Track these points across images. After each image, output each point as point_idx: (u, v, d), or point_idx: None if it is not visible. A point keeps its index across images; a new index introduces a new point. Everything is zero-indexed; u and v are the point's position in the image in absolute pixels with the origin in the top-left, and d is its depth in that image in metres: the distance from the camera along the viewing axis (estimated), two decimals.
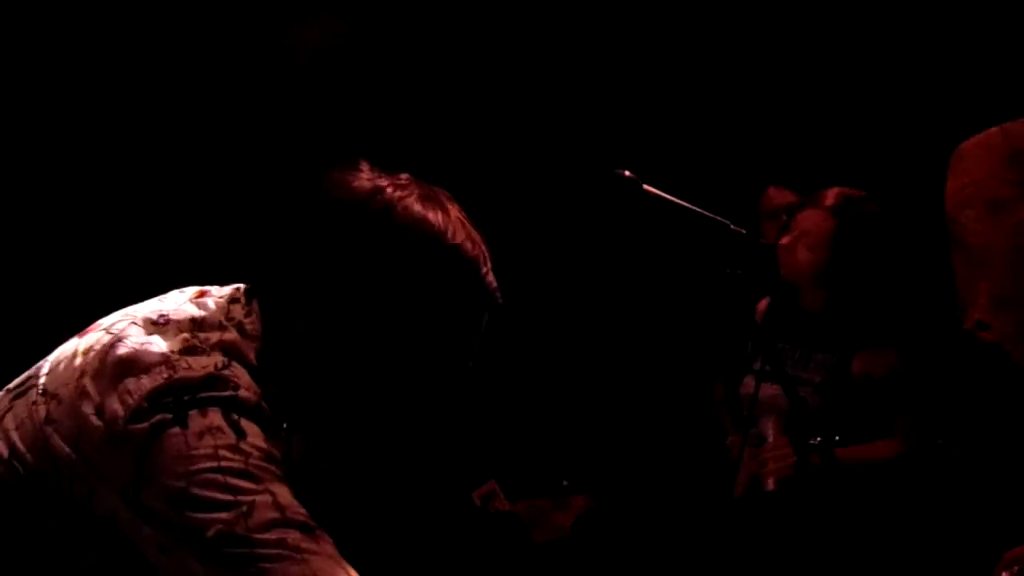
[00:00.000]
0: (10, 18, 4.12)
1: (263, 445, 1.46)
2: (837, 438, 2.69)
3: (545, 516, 4.08)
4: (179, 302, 1.60)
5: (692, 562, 3.39)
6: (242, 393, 1.48)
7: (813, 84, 4.83)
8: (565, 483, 4.09)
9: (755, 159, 4.57)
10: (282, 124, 4.11)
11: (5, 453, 1.53)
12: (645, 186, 2.05)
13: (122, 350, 1.50)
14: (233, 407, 1.47)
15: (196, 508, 1.41)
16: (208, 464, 1.42)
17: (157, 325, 1.56)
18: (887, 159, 4.73)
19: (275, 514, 1.41)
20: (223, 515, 1.40)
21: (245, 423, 1.46)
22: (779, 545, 3.02)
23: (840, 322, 3.09)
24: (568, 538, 4.09)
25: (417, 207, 1.56)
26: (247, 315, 1.58)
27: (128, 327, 1.55)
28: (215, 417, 1.45)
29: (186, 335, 1.54)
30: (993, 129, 3.10)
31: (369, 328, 1.56)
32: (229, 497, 1.41)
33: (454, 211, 1.59)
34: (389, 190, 1.55)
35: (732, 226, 2.13)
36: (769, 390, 3.00)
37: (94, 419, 1.47)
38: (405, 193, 1.56)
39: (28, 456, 1.51)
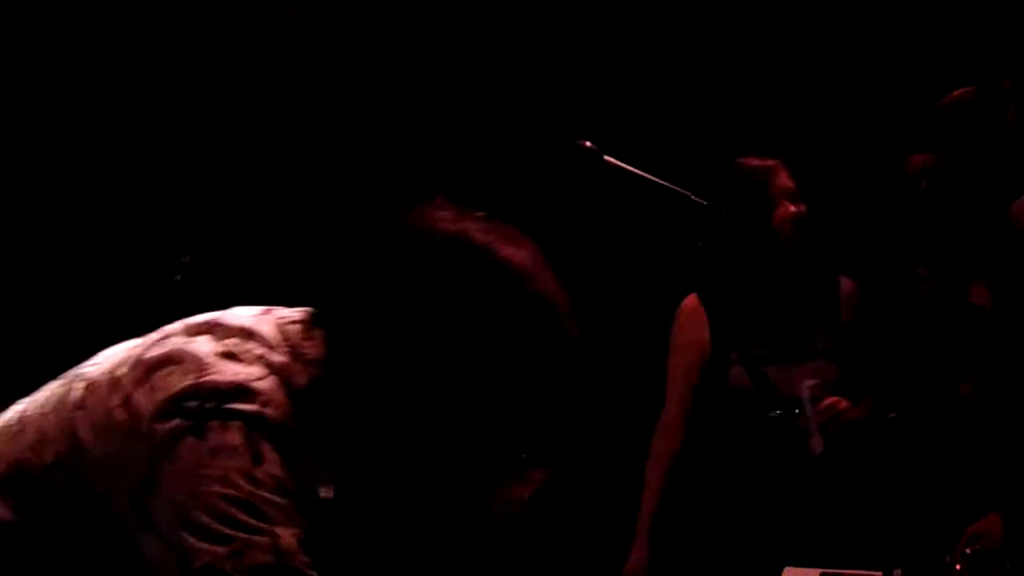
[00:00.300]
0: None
1: (279, 474, 1.38)
2: (798, 410, 2.71)
3: (502, 489, 4.07)
4: (237, 314, 1.54)
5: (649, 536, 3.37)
6: (269, 411, 1.40)
7: (779, 55, 4.82)
8: (523, 456, 4.07)
9: (722, 130, 4.56)
10: (358, 154, 4.07)
11: (33, 438, 1.49)
12: (605, 157, 2.02)
13: (161, 347, 1.46)
14: (257, 425, 1.39)
15: (192, 532, 1.33)
16: (216, 488, 1.34)
17: (205, 329, 1.49)
18: (853, 129, 4.73)
19: (270, 558, 1.34)
20: (217, 548, 1.33)
21: (266, 447, 1.38)
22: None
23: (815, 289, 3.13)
24: (526, 511, 4.08)
25: (506, 250, 1.48)
26: (306, 339, 1.50)
27: (177, 326, 1.50)
28: (235, 435, 1.37)
29: (230, 342, 1.48)
30: None
31: (444, 368, 1.46)
32: (228, 531, 1.33)
33: (535, 254, 1.51)
34: (476, 231, 1.48)
35: (693, 197, 2.11)
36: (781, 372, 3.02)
37: (120, 411, 1.43)
38: (492, 236, 1.48)
39: (58, 442, 1.46)
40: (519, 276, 1.46)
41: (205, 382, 1.40)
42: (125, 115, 4.35)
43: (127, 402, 1.44)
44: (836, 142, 4.67)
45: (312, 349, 1.49)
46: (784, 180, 3.10)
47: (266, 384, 1.42)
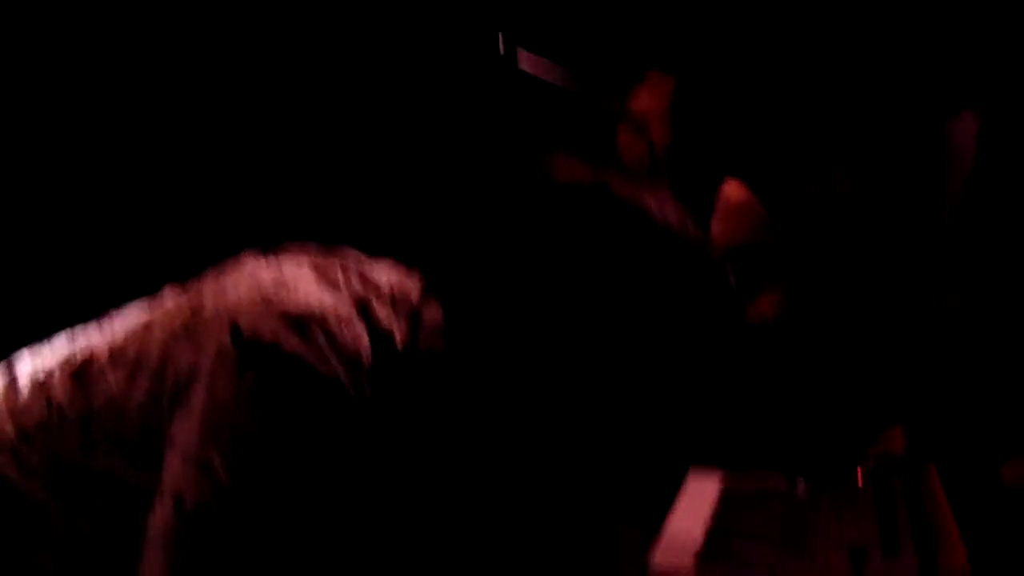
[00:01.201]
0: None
1: (299, 438, 1.30)
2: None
3: None
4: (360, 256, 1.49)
5: None
6: (324, 364, 1.31)
7: None
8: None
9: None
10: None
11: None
12: (521, 52, 1.99)
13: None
14: (299, 376, 1.30)
15: (198, 467, 1.29)
16: (228, 435, 1.29)
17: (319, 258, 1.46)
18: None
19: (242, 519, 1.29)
20: (210, 495, 1.28)
21: (297, 405, 1.30)
22: None
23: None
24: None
25: (650, 200, 1.39)
26: (424, 303, 1.42)
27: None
28: (269, 388, 1.29)
29: (334, 273, 1.41)
30: None
31: (595, 330, 1.36)
32: (227, 480, 1.28)
33: (676, 203, 1.43)
34: (618, 181, 1.39)
35: (606, 101, 2.09)
36: None
37: (186, 308, 1.41)
38: (633, 186, 1.40)
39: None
40: (667, 228, 1.38)
41: (275, 302, 1.33)
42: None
43: (197, 299, 1.41)
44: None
45: (430, 315, 1.41)
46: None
47: (345, 326, 1.34)
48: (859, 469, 2.14)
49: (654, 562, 1.64)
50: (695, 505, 1.95)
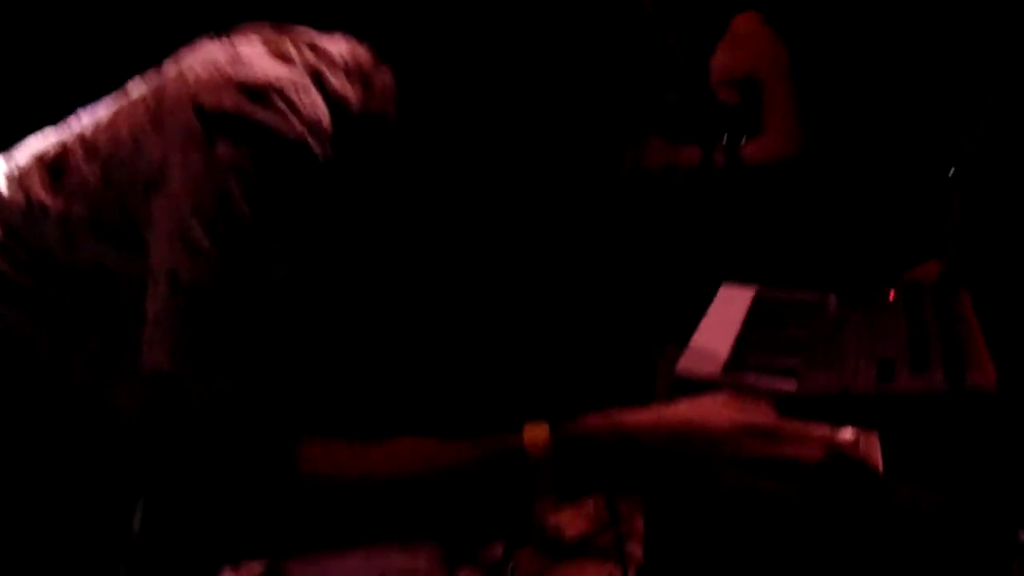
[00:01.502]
0: None
1: (281, 197, 1.34)
2: (745, 136, 2.66)
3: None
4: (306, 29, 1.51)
5: None
6: (290, 125, 1.34)
7: None
8: None
9: None
10: None
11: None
12: None
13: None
14: (270, 141, 1.33)
15: (183, 243, 1.31)
16: (211, 202, 1.31)
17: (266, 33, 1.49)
18: None
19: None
20: (200, 265, 1.31)
21: (274, 166, 1.33)
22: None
23: None
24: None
25: None
26: (376, 68, 1.47)
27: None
28: (243, 153, 1.32)
29: (286, 46, 1.44)
30: None
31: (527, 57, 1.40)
32: (214, 249, 1.30)
33: None
34: None
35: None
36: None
37: (150, 97, 1.44)
38: None
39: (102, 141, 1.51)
40: None
41: (232, 77, 1.35)
42: None
43: (158, 87, 1.43)
44: None
45: (381, 80, 1.45)
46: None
47: (302, 94, 1.37)
48: (891, 288, 2.12)
49: (679, 368, 1.64)
50: (725, 316, 1.96)
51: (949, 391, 1.60)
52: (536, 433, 1.32)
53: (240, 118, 1.32)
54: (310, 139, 1.35)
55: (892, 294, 2.09)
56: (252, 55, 1.38)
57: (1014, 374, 1.75)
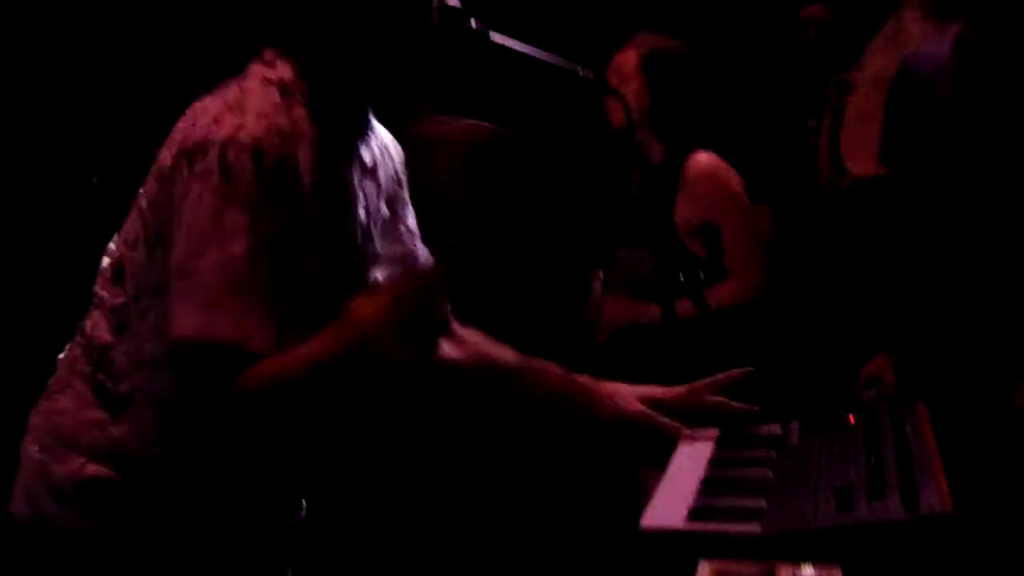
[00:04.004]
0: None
1: (250, 186, 1.72)
2: (702, 275, 2.74)
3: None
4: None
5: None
6: (244, 133, 1.74)
7: None
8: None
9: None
10: None
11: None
12: (492, 35, 2.03)
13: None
14: (230, 147, 1.73)
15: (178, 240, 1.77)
16: (191, 204, 1.73)
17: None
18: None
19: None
20: (193, 255, 1.73)
21: (239, 163, 1.71)
22: None
23: (673, 170, 3.13)
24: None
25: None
26: (270, 65, 1.89)
27: None
28: (211, 160, 1.72)
29: (217, 97, 1.88)
30: None
31: None
32: (199, 242, 1.72)
33: None
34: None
35: (581, 71, 2.13)
36: (632, 254, 3.03)
37: (153, 174, 1.88)
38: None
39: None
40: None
41: (197, 128, 1.77)
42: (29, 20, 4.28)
43: (158, 162, 1.84)
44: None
45: (282, 68, 1.86)
46: (613, 61, 3.13)
47: (237, 115, 1.75)
48: (850, 410, 2.20)
49: (644, 523, 1.71)
50: (689, 462, 2.02)
51: (905, 519, 1.66)
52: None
53: (205, 142, 1.78)
54: (265, 136, 1.78)
55: (852, 418, 2.16)
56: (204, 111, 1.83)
57: (971, 485, 1.82)
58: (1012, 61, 2.77)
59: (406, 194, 2.15)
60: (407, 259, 2.09)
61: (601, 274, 3.15)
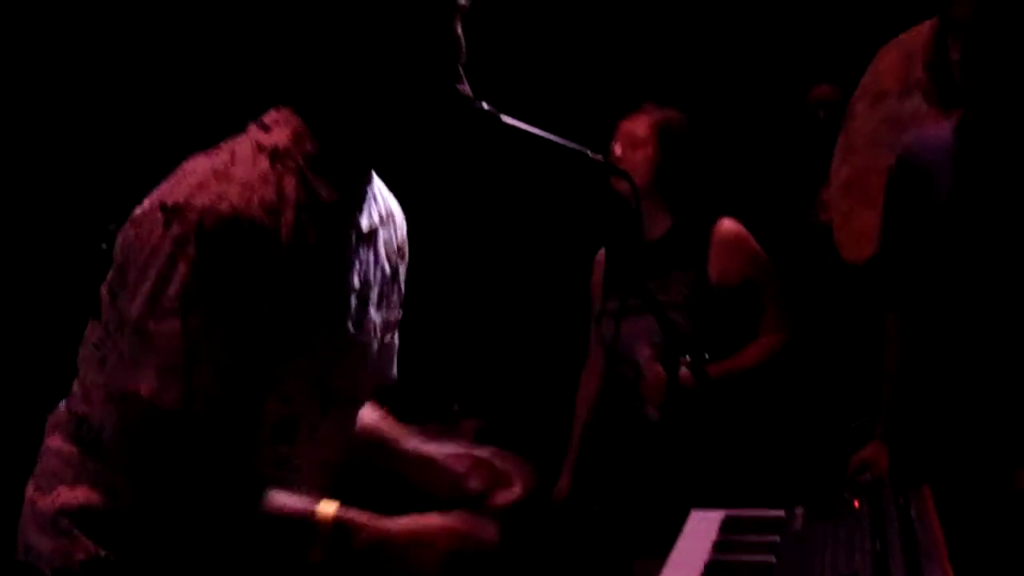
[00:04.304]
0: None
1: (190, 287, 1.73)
2: (707, 355, 2.75)
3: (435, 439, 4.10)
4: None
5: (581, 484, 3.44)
6: (223, 206, 1.74)
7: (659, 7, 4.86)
8: (456, 408, 4.12)
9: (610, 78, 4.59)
10: None
11: None
12: (503, 117, 2.06)
13: None
14: (191, 230, 1.73)
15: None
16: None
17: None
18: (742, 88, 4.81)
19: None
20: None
21: (188, 256, 1.72)
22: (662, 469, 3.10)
23: (686, 238, 3.15)
24: None
25: None
26: (265, 128, 1.89)
27: None
28: (166, 241, 1.74)
29: (199, 160, 1.89)
30: (899, 36, 3.15)
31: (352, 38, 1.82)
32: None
33: None
34: None
35: (591, 154, 2.15)
36: (633, 325, 3.04)
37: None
38: None
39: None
40: None
41: (181, 187, 1.78)
42: (42, 83, 4.33)
43: (138, 207, 1.86)
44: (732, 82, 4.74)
45: (278, 133, 1.87)
46: (622, 127, 3.16)
47: (222, 183, 1.76)
48: (855, 495, 2.19)
49: None
50: (694, 544, 2.02)
51: None
52: (328, 508, 1.83)
53: (171, 212, 1.78)
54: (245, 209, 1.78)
55: (857, 503, 2.16)
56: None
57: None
58: (1013, 148, 2.79)
59: (403, 267, 2.16)
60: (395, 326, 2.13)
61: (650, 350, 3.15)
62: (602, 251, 3.45)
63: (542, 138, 2.07)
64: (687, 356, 2.65)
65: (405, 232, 2.17)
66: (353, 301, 1.96)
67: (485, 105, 2.02)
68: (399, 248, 2.13)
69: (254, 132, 1.90)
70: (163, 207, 1.77)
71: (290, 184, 1.83)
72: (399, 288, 2.14)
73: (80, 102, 4.51)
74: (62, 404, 1.98)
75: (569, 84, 4.83)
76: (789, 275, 4.07)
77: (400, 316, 2.15)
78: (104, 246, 3.89)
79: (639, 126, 3.35)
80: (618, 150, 3.30)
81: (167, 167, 1.95)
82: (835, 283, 4.25)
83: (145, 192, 1.91)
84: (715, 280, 3.22)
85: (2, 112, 4.40)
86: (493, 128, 2.03)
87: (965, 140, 2.85)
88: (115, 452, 1.82)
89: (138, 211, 1.83)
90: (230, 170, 1.79)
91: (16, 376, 4.09)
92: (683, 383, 2.74)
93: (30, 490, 1.96)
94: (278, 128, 1.88)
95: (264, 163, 1.82)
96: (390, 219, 2.10)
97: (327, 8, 1.82)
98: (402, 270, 2.16)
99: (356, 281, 1.96)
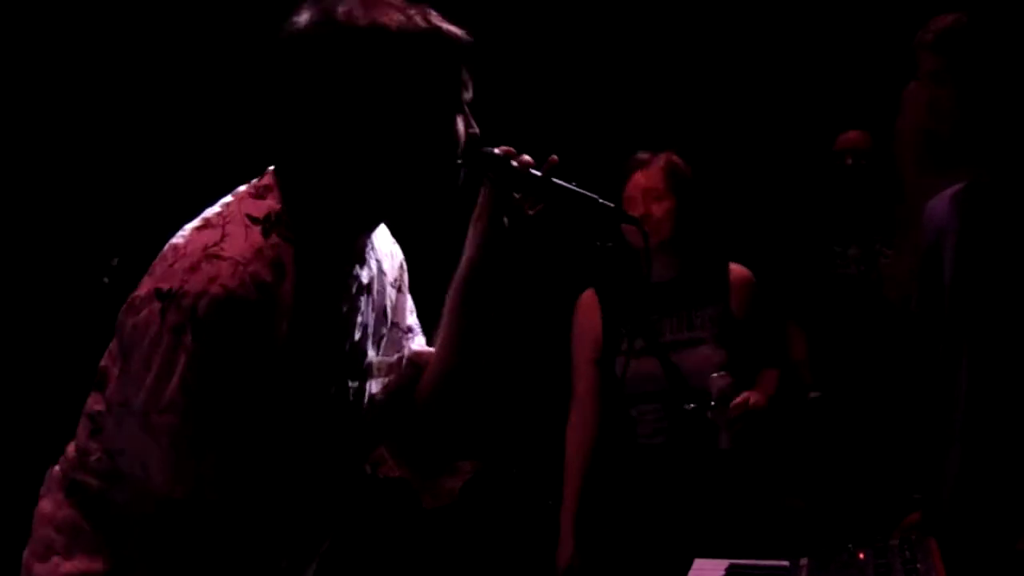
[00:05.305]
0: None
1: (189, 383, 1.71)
2: (713, 403, 2.75)
3: (433, 481, 4.09)
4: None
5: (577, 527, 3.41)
6: (214, 290, 1.70)
7: (691, 53, 4.87)
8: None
9: (633, 127, 4.59)
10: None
11: None
12: (512, 162, 2.05)
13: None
14: (187, 317, 1.70)
15: None
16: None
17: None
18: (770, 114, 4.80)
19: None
20: None
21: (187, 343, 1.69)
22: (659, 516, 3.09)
23: (702, 278, 3.19)
24: (457, 503, 4.11)
25: (341, 9, 1.75)
26: (259, 197, 1.82)
27: None
28: (166, 334, 1.71)
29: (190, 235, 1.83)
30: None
31: (356, 130, 1.76)
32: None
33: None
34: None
35: (600, 200, 2.15)
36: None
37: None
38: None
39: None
40: (365, 28, 1.73)
41: (174, 271, 1.74)
42: (44, 118, 4.33)
43: (137, 289, 1.81)
44: (753, 128, 4.74)
45: (271, 200, 1.81)
46: (638, 179, 3.19)
47: (214, 264, 1.72)
48: (861, 546, 2.18)
49: None
50: None
51: None
52: None
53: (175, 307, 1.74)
54: (240, 289, 1.73)
55: (862, 555, 2.15)
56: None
57: None
58: (1012, 216, 2.71)
59: (406, 297, 2.13)
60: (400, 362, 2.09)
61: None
62: (589, 293, 3.44)
63: (553, 183, 2.06)
64: (690, 404, 2.65)
65: (400, 259, 2.13)
66: (351, 352, 1.94)
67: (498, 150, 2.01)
68: (395, 280, 2.11)
69: (246, 202, 1.84)
70: (159, 294, 1.73)
71: (287, 254, 1.79)
72: (401, 324, 2.11)
73: (85, 139, 4.52)
74: (56, 468, 1.95)
75: (591, 130, 4.82)
76: (816, 326, 4.04)
77: (412, 332, 2.12)
78: (106, 280, 3.88)
79: (655, 179, 3.36)
80: (640, 207, 3.32)
81: (169, 203, 1.93)
82: (864, 334, 4.20)
83: (147, 228, 1.90)
84: (736, 316, 3.30)
85: (5, 150, 4.41)
86: (504, 172, 2.01)
87: (964, 211, 2.74)
88: (126, 525, 1.81)
89: (136, 297, 1.80)
90: (222, 248, 1.75)
91: (16, 408, 4.08)
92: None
93: (26, 556, 1.94)
94: (271, 195, 1.83)
95: (256, 236, 1.78)
96: (388, 257, 2.08)
97: (332, 98, 1.76)
98: (404, 299, 2.13)
99: (356, 334, 1.95)
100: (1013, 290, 2.60)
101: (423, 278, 2.23)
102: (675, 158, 3.40)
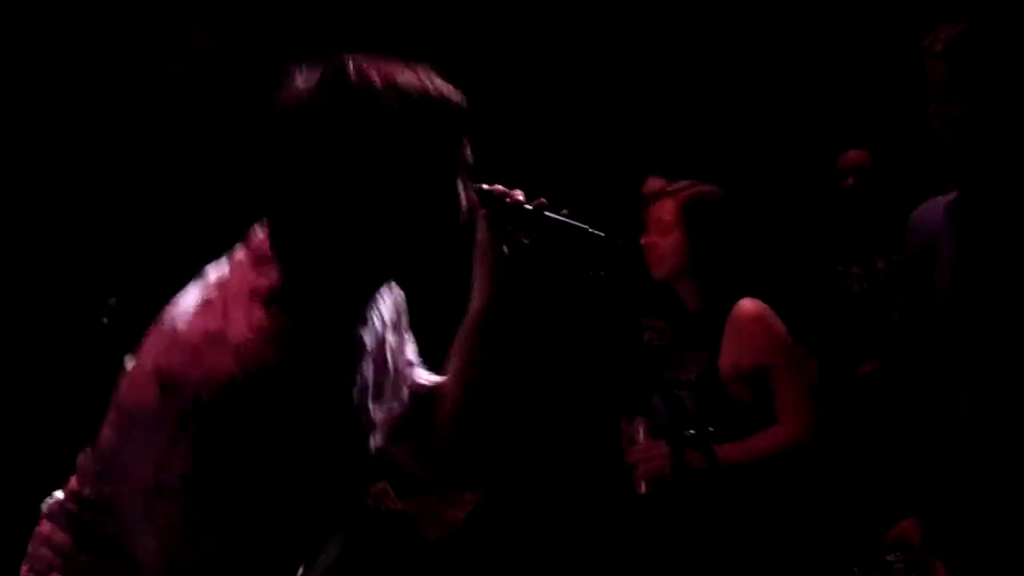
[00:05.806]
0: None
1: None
2: (711, 429, 2.72)
3: (435, 512, 4.09)
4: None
5: (580, 556, 3.40)
6: (214, 381, 1.65)
7: (691, 73, 4.86)
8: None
9: (634, 149, 4.58)
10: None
11: None
12: (508, 200, 2.04)
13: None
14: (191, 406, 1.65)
15: None
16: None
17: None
18: (761, 154, 4.80)
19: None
20: None
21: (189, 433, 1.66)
22: (658, 547, 3.06)
23: (711, 318, 3.10)
24: (460, 533, 4.10)
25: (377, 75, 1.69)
26: (260, 272, 1.76)
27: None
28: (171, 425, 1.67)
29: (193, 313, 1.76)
30: None
31: (354, 198, 1.70)
32: None
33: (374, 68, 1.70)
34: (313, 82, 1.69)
35: (590, 229, 2.13)
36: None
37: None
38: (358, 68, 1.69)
39: None
40: (365, 94, 1.68)
41: (174, 354, 1.69)
42: (43, 155, 4.34)
43: (136, 358, 1.77)
44: (745, 168, 4.73)
45: (271, 271, 1.74)
46: (651, 207, 3.15)
47: (215, 349, 1.67)
48: (865, 570, 2.18)
49: None
50: None
51: None
52: None
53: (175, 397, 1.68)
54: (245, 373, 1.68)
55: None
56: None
57: None
58: (1006, 227, 2.70)
59: (405, 334, 2.11)
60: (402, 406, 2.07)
61: (644, 422, 3.10)
62: None
63: (564, 222, 2.05)
64: (690, 430, 2.61)
65: (397, 298, 2.11)
66: (355, 410, 1.93)
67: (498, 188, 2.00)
68: (395, 323, 2.09)
69: (247, 276, 1.80)
70: (159, 377, 1.71)
71: (289, 329, 1.74)
72: (401, 367, 2.10)
73: (85, 180, 4.52)
74: (58, 494, 1.95)
75: (588, 155, 4.81)
76: (818, 347, 4.00)
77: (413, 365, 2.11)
78: (105, 320, 3.88)
79: (666, 210, 3.28)
80: (647, 236, 3.26)
81: (168, 243, 1.92)
82: (868, 354, 4.17)
83: (146, 268, 1.88)
84: (728, 363, 3.13)
85: (6, 189, 4.41)
86: (499, 209, 2.00)
87: (958, 222, 2.73)
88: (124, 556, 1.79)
89: (135, 372, 1.78)
90: (224, 331, 1.71)
91: (15, 452, 4.07)
92: (687, 460, 2.69)
93: (24, 571, 1.95)
94: (270, 267, 1.78)
95: (259, 314, 1.73)
96: (385, 303, 2.05)
97: (331, 166, 1.73)
98: (403, 337, 2.11)
99: (358, 395, 1.93)
100: (1015, 300, 2.60)
101: (421, 310, 2.22)
102: (695, 191, 3.27)
